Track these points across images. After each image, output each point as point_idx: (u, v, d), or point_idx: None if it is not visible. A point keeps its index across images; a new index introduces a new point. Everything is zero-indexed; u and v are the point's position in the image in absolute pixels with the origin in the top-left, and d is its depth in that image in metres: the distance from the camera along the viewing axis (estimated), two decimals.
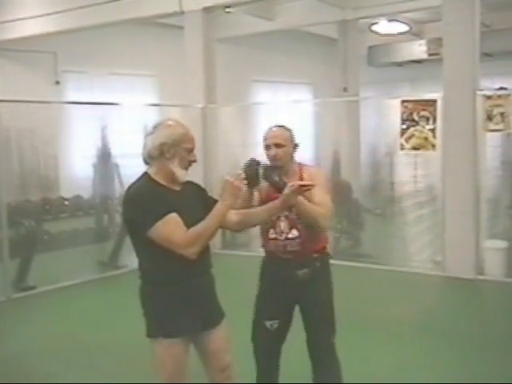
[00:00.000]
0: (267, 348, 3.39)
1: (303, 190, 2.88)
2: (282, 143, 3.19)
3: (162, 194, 2.65)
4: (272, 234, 3.23)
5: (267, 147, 3.22)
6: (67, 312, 6.01)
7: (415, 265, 7.29)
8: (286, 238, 3.20)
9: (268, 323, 3.30)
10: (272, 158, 3.18)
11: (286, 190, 2.86)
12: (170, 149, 2.65)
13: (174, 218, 2.58)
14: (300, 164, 3.31)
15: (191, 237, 2.58)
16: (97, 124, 7.76)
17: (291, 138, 3.26)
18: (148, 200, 2.61)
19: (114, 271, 7.50)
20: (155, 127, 2.72)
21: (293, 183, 2.88)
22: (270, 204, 2.93)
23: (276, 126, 3.30)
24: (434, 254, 7.27)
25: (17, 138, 8.03)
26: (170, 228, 2.57)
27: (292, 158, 3.26)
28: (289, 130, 3.30)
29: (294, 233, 3.19)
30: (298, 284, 3.24)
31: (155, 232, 2.57)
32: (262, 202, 3.13)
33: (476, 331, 5.12)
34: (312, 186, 2.91)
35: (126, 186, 2.80)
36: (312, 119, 9.20)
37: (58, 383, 4.21)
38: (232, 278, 5.98)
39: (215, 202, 2.73)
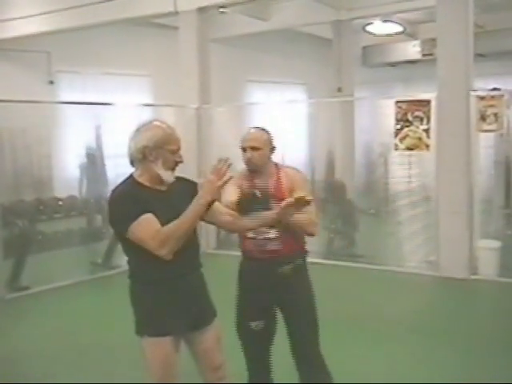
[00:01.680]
0: (255, 349, 3.36)
1: (299, 205, 2.81)
2: (257, 146, 3.16)
3: (141, 194, 2.64)
4: (250, 233, 3.16)
5: (243, 150, 3.19)
6: (61, 312, 5.99)
7: (409, 265, 7.30)
8: (265, 238, 3.15)
9: (253, 324, 3.26)
10: (247, 161, 3.17)
11: (283, 206, 2.80)
12: (152, 151, 2.64)
13: (147, 218, 2.56)
14: (277, 165, 3.28)
15: (162, 237, 2.54)
16: (90, 124, 7.75)
17: (268, 140, 3.22)
18: (125, 201, 2.62)
19: (107, 271, 7.48)
20: (138, 130, 2.71)
21: (289, 199, 2.80)
22: (265, 215, 2.91)
23: (253, 129, 3.28)
24: (427, 254, 7.29)
25: (10, 138, 8.00)
26: (143, 228, 2.56)
27: (268, 160, 3.22)
28: (266, 132, 3.26)
29: (274, 233, 3.14)
30: (278, 282, 3.19)
31: (131, 233, 2.58)
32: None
33: (469, 331, 5.13)
34: (306, 199, 2.82)
35: (108, 186, 2.81)
36: (306, 119, 9.21)
37: (52, 383, 4.20)
38: (226, 277, 5.95)
39: None
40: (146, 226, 2.55)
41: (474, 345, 4.77)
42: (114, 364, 4.54)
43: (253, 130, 3.26)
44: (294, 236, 3.18)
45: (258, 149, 3.16)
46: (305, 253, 3.33)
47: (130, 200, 2.61)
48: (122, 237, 2.66)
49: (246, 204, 2.94)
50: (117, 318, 5.41)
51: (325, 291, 6.00)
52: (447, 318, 5.51)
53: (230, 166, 2.61)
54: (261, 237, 3.15)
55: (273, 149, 3.24)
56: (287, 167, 3.34)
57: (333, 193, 8.71)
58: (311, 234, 3.20)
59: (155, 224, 2.56)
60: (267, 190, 3.15)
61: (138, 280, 2.73)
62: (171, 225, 2.56)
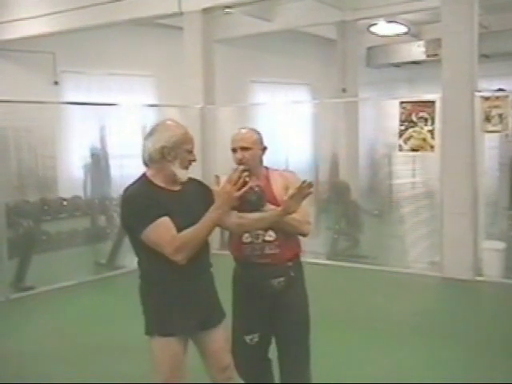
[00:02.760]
0: (251, 364, 3.19)
1: (303, 195, 2.78)
2: (248, 146, 3.08)
3: (157, 196, 2.64)
4: (247, 238, 3.06)
5: (234, 150, 3.11)
6: (65, 312, 6.01)
7: (413, 266, 7.29)
8: (264, 241, 3.05)
9: (247, 338, 3.13)
10: (238, 162, 3.06)
11: (286, 198, 2.78)
12: (170, 151, 2.66)
13: (164, 222, 2.57)
14: (267, 168, 3.20)
15: (178, 244, 2.56)
16: (95, 124, 7.77)
17: (259, 140, 3.14)
18: (141, 203, 2.61)
19: (112, 272, 7.49)
20: (154, 129, 2.72)
21: (292, 191, 2.78)
22: (271, 212, 2.88)
23: (243, 129, 3.20)
24: (431, 255, 7.28)
25: (15, 138, 8.02)
26: (160, 233, 2.56)
27: (260, 161, 3.15)
28: (257, 132, 3.18)
29: (271, 234, 3.04)
30: (272, 294, 3.09)
31: (146, 236, 2.58)
32: None
33: (474, 332, 5.12)
34: (311, 186, 2.80)
35: (120, 186, 2.79)
36: (310, 120, 9.20)
37: (56, 383, 4.21)
38: (229, 278, 5.95)
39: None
40: (163, 231, 2.56)
41: (478, 346, 4.75)
42: (117, 364, 4.54)
43: (243, 130, 3.17)
44: (290, 238, 3.09)
45: (249, 149, 3.08)
46: (299, 263, 3.19)
47: (146, 201, 2.61)
48: (134, 237, 2.67)
49: (244, 202, 2.78)
50: (121, 319, 5.44)
51: (328, 292, 6.02)
52: (451, 320, 5.50)
53: (246, 175, 2.63)
54: (259, 240, 3.06)
55: (264, 149, 3.17)
56: (280, 170, 3.29)
57: (337, 193, 8.72)
58: (304, 233, 3.09)
59: (171, 229, 2.57)
60: (262, 190, 2.98)
61: (148, 280, 2.73)
62: (188, 232, 2.58)
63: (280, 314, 3.12)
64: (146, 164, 2.74)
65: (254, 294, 3.11)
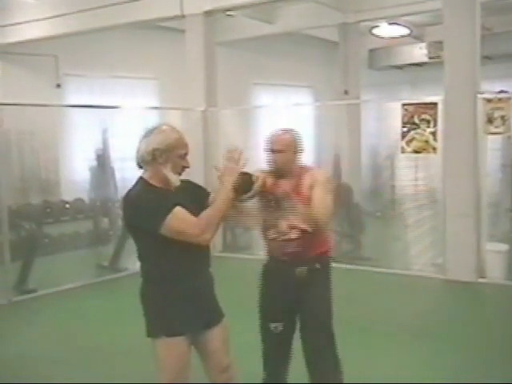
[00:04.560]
0: (273, 351, 3.35)
1: (234, 160, 2.73)
2: (280, 149, 3.16)
3: (163, 193, 2.68)
4: (273, 234, 3.20)
5: (268, 152, 3.20)
6: (68, 315, 6.01)
7: (416, 268, 7.28)
8: (287, 240, 3.17)
9: (272, 325, 3.27)
10: (270, 163, 3.18)
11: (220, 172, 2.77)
12: (162, 154, 2.68)
13: (181, 210, 2.62)
14: (302, 167, 3.26)
15: (203, 223, 2.61)
16: (98, 127, 7.77)
17: (293, 142, 3.20)
18: (151, 201, 2.64)
19: (114, 274, 7.49)
20: (150, 132, 2.75)
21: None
22: (217, 193, 2.79)
23: (279, 131, 3.25)
24: (434, 257, 7.27)
25: (18, 141, 8.04)
26: (182, 219, 2.61)
27: (293, 163, 3.20)
28: (292, 134, 3.24)
29: (296, 233, 3.16)
30: (296, 283, 3.20)
31: (167, 227, 2.59)
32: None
33: (477, 334, 5.11)
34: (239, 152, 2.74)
35: (121, 189, 2.82)
36: (313, 122, 9.20)
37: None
38: (233, 280, 5.96)
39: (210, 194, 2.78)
40: (184, 217, 2.61)
41: (481, 348, 4.74)
42: (119, 367, 4.54)
43: (279, 132, 3.23)
44: (314, 240, 3.19)
45: (281, 151, 3.16)
46: (326, 259, 3.30)
47: (155, 197, 2.65)
48: (143, 236, 2.68)
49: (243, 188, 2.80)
50: (123, 321, 5.44)
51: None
52: (454, 322, 5.49)
53: (241, 152, 2.71)
54: (283, 237, 3.17)
55: (299, 151, 3.22)
56: (312, 168, 3.33)
57: (339, 196, 8.70)
58: (321, 227, 3.17)
59: (189, 214, 2.62)
60: (287, 192, 3.15)
61: (150, 281, 2.74)
62: (208, 211, 2.65)
63: (304, 304, 3.23)
64: (139, 166, 2.77)
65: (278, 284, 3.24)
